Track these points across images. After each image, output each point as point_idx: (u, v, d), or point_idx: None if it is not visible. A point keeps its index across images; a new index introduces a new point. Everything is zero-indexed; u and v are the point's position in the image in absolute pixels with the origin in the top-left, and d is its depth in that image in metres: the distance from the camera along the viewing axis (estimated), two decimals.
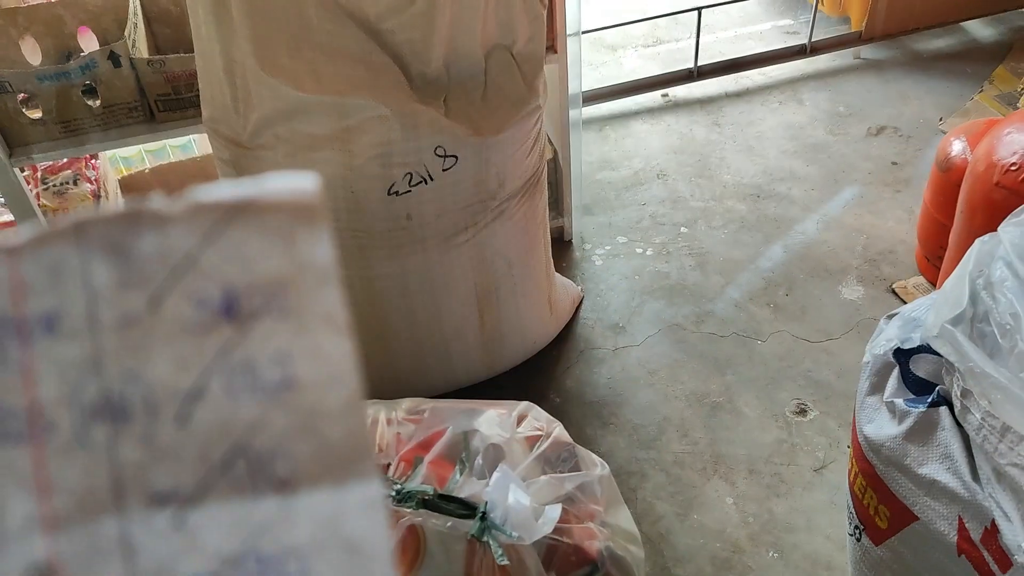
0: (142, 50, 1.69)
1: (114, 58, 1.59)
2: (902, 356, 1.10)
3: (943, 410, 1.01)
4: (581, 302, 1.93)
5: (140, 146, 2.06)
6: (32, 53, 1.70)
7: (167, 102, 1.65)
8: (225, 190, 0.20)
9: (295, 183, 0.20)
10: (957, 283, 1.03)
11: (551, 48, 1.72)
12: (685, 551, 1.45)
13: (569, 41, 1.79)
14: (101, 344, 0.20)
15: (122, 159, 2.11)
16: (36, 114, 1.64)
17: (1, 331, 0.20)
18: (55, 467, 0.20)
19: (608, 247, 2.08)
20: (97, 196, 1.88)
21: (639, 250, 2.07)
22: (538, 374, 1.77)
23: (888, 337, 1.14)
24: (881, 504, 1.08)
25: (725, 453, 1.60)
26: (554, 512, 0.82)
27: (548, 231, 1.67)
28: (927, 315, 1.09)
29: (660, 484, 1.56)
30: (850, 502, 1.18)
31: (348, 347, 0.20)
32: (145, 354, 0.20)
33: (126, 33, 1.61)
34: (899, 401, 1.06)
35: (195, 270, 0.20)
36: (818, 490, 1.53)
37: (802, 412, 1.67)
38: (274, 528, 0.20)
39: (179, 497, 0.20)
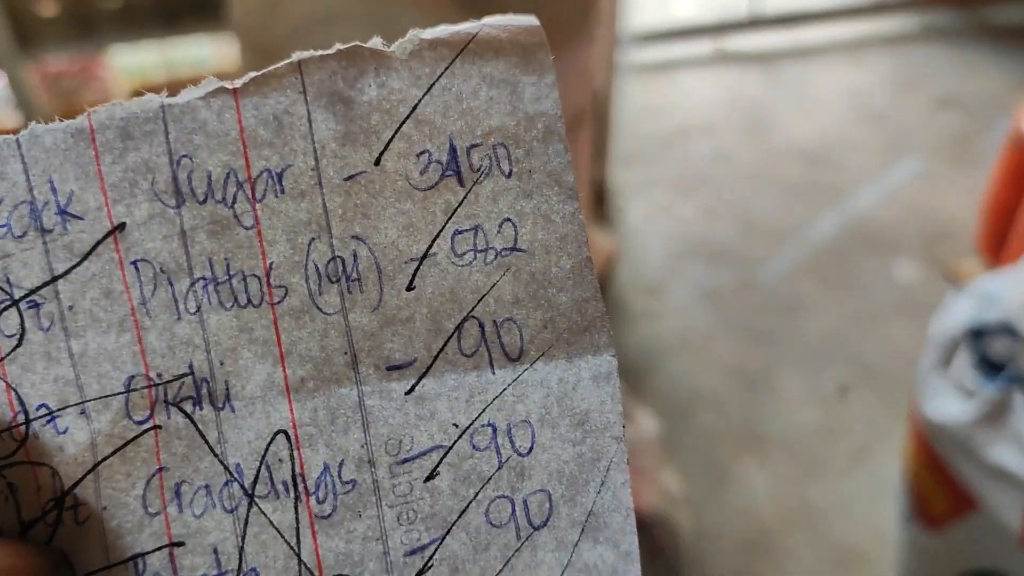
0: None
1: None
2: (973, 333, 1.00)
3: (1018, 394, 0.91)
4: (615, 258, 1.82)
5: (153, 56, 1.93)
6: None
7: (190, 4, 1.53)
8: (448, 28, 0.19)
9: (521, 23, 0.19)
10: None
11: None
12: (712, 528, 1.36)
13: None
14: (328, 204, 0.19)
15: (133, 70, 1.99)
16: (51, 11, 1.52)
17: (235, 191, 0.19)
18: (292, 332, 0.20)
19: (646, 203, 1.96)
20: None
21: (679, 209, 1.94)
22: None
23: (959, 312, 1.03)
24: (939, 488, 0.98)
25: (759, 431, 1.51)
26: None
27: (590, 174, 1.55)
28: (1005, 291, 0.98)
29: (689, 458, 1.46)
30: (902, 484, 1.09)
31: (576, 209, 0.19)
32: (371, 215, 0.19)
33: None
34: (968, 381, 0.95)
35: (419, 124, 0.19)
36: (856, 476, 1.44)
37: (844, 394, 1.57)
38: (505, 399, 0.20)
39: (412, 367, 0.20)
